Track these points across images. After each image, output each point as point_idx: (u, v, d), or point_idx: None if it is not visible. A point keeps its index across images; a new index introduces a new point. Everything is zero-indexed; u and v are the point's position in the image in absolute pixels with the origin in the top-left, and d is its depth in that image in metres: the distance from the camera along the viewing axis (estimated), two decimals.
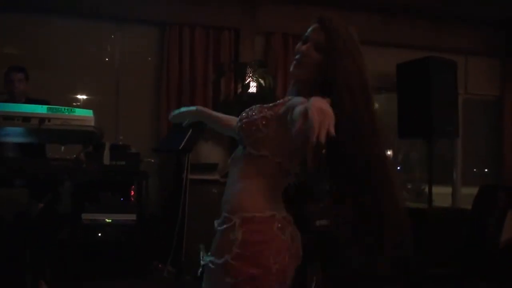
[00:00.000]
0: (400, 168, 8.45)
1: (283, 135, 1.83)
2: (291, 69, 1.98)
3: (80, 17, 5.89)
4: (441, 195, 7.11)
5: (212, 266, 1.91)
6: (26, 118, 3.78)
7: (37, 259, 4.27)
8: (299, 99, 1.73)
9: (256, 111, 1.98)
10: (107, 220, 4.93)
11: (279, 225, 1.95)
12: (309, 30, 2.01)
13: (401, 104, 6.16)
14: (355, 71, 1.87)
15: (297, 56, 1.95)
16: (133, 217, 4.96)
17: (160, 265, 5.11)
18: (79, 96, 6.15)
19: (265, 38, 6.34)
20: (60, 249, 4.69)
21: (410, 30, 6.77)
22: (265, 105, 1.98)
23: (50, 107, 3.86)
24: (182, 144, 4.94)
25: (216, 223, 2.06)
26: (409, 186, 8.86)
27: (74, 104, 5.99)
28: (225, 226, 1.94)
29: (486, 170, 7.97)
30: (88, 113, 3.63)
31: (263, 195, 1.96)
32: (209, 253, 2.02)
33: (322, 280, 4.82)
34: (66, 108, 3.89)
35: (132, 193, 5.28)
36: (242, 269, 1.80)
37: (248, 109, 2.02)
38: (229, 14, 6.16)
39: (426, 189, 6.09)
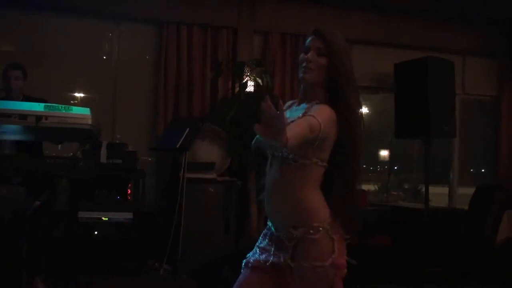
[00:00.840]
0: (397, 168, 8.47)
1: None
2: (302, 75, 2.25)
3: (78, 15, 5.88)
4: (438, 195, 7.12)
5: (314, 268, 2.13)
6: (22, 116, 3.77)
7: (33, 257, 4.27)
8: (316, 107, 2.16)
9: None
10: (103, 218, 4.92)
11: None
12: (307, 41, 2.28)
13: (399, 104, 6.15)
14: (352, 70, 2.26)
15: (304, 64, 2.23)
16: (129, 215, 4.96)
17: (156, 264, 5.11)
18: (76, 94, 6.15)
19: (263, 37, 6.34)
20: (56, 246, 4.69)
21: (408, 30, 6.77)
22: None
23: (47, 105, 3.85)
24: (179, 143, 4.95)
25: (288, 233, 2.21)
26: (406, 186, 8.89)
27: (72, 102, 5.99)
28: (318, 235, 2.13)
29: (482, 170, 7.98)
30: (85, 111, 3.62)
31: (323, 199, 2.20)
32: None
33: None
34: (63, 106, 3.89)
35: (129, 191, 5.28)
36: (340, 262, 2.15)
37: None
38: (227, 13, 6.15)
39: (423, 189, 6.09)
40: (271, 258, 2.22)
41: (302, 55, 2.25)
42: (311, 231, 2.13)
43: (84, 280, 4.58)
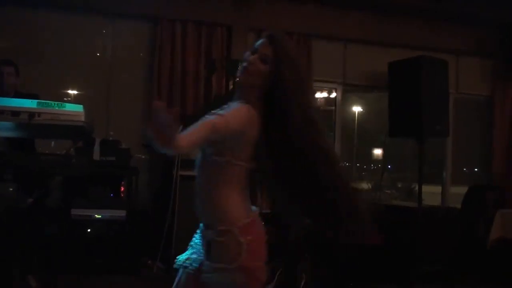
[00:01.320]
0: (391, 167, 8.48)
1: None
2: (237, 74, 2.19)
3: (72, 11, 5.86)
4: (431, 194, 7.13)
5: (219, 271, 2.09)
6: (15, 113, 3.75)
7: (26, 254, 4.25)
8: (233, 105, 2.12)
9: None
10: (96, 215, 4.91)
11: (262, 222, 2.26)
12: (257, 43, 2.21)
13: (392, 103, 6.16)
14: (299, 80, 2.15)
15: (244, 64, 2.16)
16: (122, 213, 4.95)
17: (149, 261, 5.11)
18: (69, 91, 6.13)
19: (257, 35, 6.30)
20: (49, 244, 4.67)
21: (402, 29, 6.78)
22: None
23: (40, 102, 3.83)
24: None
25: (204, 233, 2.18)
26: (399, 185, 8.91)
27: (65, 99, 5.97)
28: (224, 238, 2.09)
29: (476, 169, 8.01)
30: (78, 108, 3.61)
31: (242, 199, 2.15)
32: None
33: (311, 279, 4.83)
34: (56, 103, 3.87)
35: (122, 188, 5.27)
36: (251, 266, 2.08)
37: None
38: (222, 10, 6.14)
39: (416, 188, 6.10)
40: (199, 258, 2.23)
41: (247, 53, 2.19)
42: (217, 234, 2.09)
43: (77, 277, 4.57)
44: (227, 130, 1.98)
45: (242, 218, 2.10)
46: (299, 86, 2.15)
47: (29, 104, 3.82)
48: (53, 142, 5.09)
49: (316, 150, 2.12)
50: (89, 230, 4.89)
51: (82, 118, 3.88)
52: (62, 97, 5.95)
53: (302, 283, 4.76)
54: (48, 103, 3.83)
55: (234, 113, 2.04)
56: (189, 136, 1.83)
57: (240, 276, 2.07)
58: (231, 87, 5.87)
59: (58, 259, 4.66)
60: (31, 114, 3.74)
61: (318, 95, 7.12)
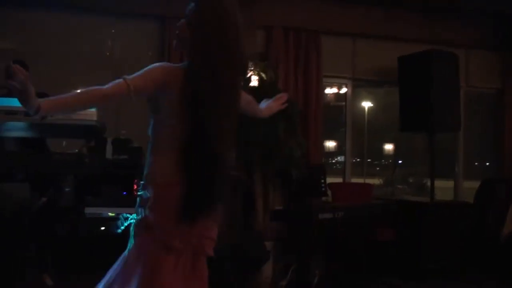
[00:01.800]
0: (402, 162, 8.46)
1: None
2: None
3: (80, 11, 5.87)
4: (443, 189, 7.12)
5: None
6: (28, 113, 3.79)
7: (41, 253, 4.28)
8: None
9: None
10: (110, 214, 4.93)
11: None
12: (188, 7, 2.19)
13: (403, 98, 6.15)
14: (217, 44, 2.07)
15: (176, 31, 2.20)
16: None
17: None
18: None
19: (265, 31, 6.33)
20: (62, 243, 4.70)
21: (411, 23, 6.75)
22: None
23: None
24: None
25: None
26: (410, 180, 8.89)
27: None
28: (142, 192, 2.19)
29: (487, 163, 7.97)
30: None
31: (169, 160, 2.11)
32: None
33: (325, 275, 4.84)
34: None
35: (135, 187, 5.28)
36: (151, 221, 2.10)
37: None
38: None
39: (428, 183, 6.09)
40: None
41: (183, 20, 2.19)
42: (140, 188, 2.18)
43: (90, 275, 4.59)
44: (129, 89, 2.01)
45: (160, 177, 2.12)
46: (218, 53, 2.07)
47: None
48: (64, 142, 5.11)
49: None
50: (102, 228, 4.91)
51: (94, 117, 3.92)
52: None
53: (316, 279, 4.77)
54: None
55: (141, 73, 2.07)
56: (60, 98, 1.96)
57: (139, 229, 2.12)
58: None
59: (72, 258, 4.68)
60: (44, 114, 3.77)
61: (328, 90, 7.11)
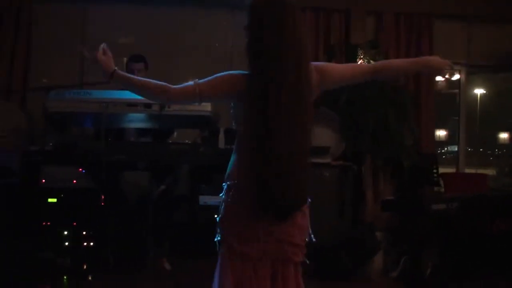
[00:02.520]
0: None
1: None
2: None
3: (195, 5, 6.04)
4: None
5: None
6: (147, 105, 3.98)
7: (159, 239, 4.48)
8: None
9: None
10: None
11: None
12: None
13: None
14: (269, 43, 2.05)
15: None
16: None
17: None
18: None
19: (375, 18, 6.21)
20: (179, 229, 4.87)
21: None
22: None
23: None
24: None
25: None
26: None
27: None
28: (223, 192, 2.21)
29: None
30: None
31: (242, 162, 2.13)
32: None
33: (438, 265, 4.70)
34: None
35: None
36: (224, 225, 2.14)
37: None
38: None
39: None
40: None
41: None
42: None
43: (204, 260, 4.74)
44: (196, 92, 2.09)
45: (231, 178, 2.11)
46: (271, 53, 2.04)
47: None
48: (175, 133, 5.29)
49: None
50: (215, 216, 5.04)
51: (208, 108, 4.03)
52: None
53: (428, 271, 4.65)
54: None
55: (208, 78, 2.13)
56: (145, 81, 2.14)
57: (219, 229, 2.13)
58: None
59: (188, 244, 4.85)
60: (162, 105, 3.93)
61: (440, 77, 6.88)
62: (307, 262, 2.19)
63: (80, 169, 4.39)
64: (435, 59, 2.38)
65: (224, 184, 2.15)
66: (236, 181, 2.09)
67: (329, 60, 5.90)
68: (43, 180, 4.36)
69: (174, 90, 2.11)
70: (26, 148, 4.45)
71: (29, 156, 4.33)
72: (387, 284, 4.75)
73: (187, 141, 4.93)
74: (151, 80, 2.14)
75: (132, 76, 2.20)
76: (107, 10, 6.00)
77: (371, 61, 5.61)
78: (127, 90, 2.23)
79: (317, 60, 5.94)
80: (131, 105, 3.98)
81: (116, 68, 2.09)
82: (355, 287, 4.54)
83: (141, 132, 4.78)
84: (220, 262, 2.12)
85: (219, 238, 2.14)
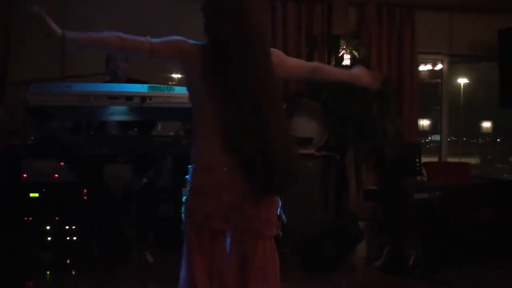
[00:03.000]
0: (501, 140, 8.12)
1: None
2: None
3: None
4: None
5: None
6: (129, 97, 3.95)
7: (142, 232, 4.47)
8: None
9: None
10: None
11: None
12: None
13: (503, 73, 5.88)
14: (230, 27, 2.07)
15: None
16: None
17: None
18: (173, 75, 6.29)
19: (357, 9, 6.21)
20: (162, 222, 4.86)
21: None
22: None
23: (151, 86, 4.00)
24: None
25: None
26: (510, 159, 8.51)
27: (170, 83, 6.13)
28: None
29: None
30: (186, 91, 3.72)
31: (207, 143, 2.13)
32: None
33: (421, 254, 4.74)
34: (166, 86, 4.03)
35: None
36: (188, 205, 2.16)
37: None
38: None
39: None
40: None
41: None
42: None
43: None
44: (149, 47, 2.10)
45: (202, 160, 2.11)
46: (231, 35, 2.06)
47: (141, 88, 4.00)
48: (159, 125, 5.26)
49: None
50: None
51: None
52: (167, 81, 6.12)
53: (411, 260, 4.69)
54: (159, 86, 3.99)
55: (164, 39, 2.15)
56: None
57: (185, 209, 2.14)
58: (333, 63, 5.82)
59: (171, 237, 4.84)
60: (143, 97, 3.92)
61: (422, 67, 6.92)
62: (280, 234, 2.21)
63: (62, 163, 4.35)
64: (364, 76, 2.58)
65: (189, 166, 2.15)
66: (201, 163, 2.10)
67: (312, 52, 5.91)
68: (25, 175, 4.32)
69: (128, 41, 2.11)
70: (6, 143, 4.41)
71: (10, 151, 4.30)
72: (371, 274, 4.78)
73: (171, 133, 4.91)
74: (105, 33, 2.15)
75: (86, 33, 2.16)
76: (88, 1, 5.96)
77: (354, 51, 5.63)
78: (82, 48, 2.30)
79: (299, 51, 5.98)
80: (113, 98, 3.95)
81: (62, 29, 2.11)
82: (338, 277, 4.57)
83: (123, 125, 4.76)
84: (187, 242, 2.12)
85: (184, 219, 2.15)
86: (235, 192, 2.06)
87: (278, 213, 2.23)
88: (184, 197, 2.15)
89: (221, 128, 2.03)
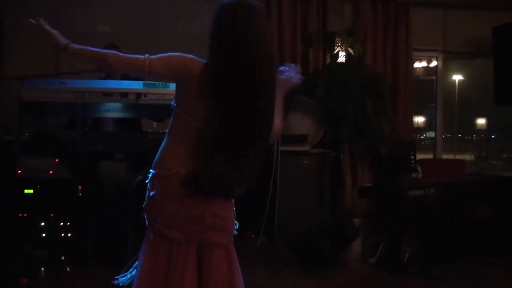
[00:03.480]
0: (496, 137, 8.14)
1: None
2: None
3: None
4: None
5: None
6: (123, 94, 3.95)
7: (138, 229, 4.45)
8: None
9: None
10: None
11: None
12: None
13: (498, 70, 5.89)
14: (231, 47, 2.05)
15: None
16: None
17: (253, 235, 5.20)
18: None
19: (353, 5, 6.20)
20: None
21: None
22: None
23: (146, 83, 3.99)
24: None
25: None
26: (505, 156, 8.53)
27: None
28: (149, 181, 2.20)
29: None
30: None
31: (178, 153, 2.09)
32: None
33: (416, 252, 4.76)
34: (161, 83, 4.01)
35: None
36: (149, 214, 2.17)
37: None
38: None
39: None
40: None
41: None
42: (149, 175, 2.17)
43: None
44: (145, 66, 2.04)
45: (164, 168, 2.08)
46: (233, 56, 2.05)
47: (136, 85, 3.99)
48: (155, 122, 5.25)
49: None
50: None
51: None
52: None
53: (406, 256, 4.71)
54: (153, 83, 3.99)
55: (163, 56, 2.11)
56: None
57: (145, 218, 2.16)
58: (328, 60, 5.82)
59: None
60: (138, 94, 3.91)
61: (417, 64, 6.93)
62: (233, 243, 2.20)
63: (57, 160, 4.34)
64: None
65: (151, 170, 2.14)
66: (166, 171, 2.07)
67: (307, 49, 5.90)
68: (19, 171, 4.30)
69: (126, 60, 2.08)
70: (1, 138, 4.40)
71: (4, 147, 4.28)
72: (366, 271, 4.79)
73: (166, 130, 4.90)
74: (104, 51, 2.15)
75: (87, 48, 2.11)
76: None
77: (349, 48, 5.62)
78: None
79: (294, 48, 5.97)
80: (107, 95, 3.95)
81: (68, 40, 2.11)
82: (333, 274, 4.58)
83: (118, 121, 4.75)
84: (145, 246, 2.14)
85: (147, 222, 2.16)
86: (187, 201, 2.06)
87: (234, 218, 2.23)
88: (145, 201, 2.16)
89: (194, 144, 2.04)
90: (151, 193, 2.11)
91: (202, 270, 2.09)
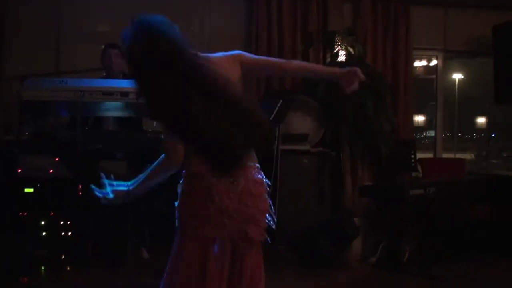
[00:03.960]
0: (496, 136, 8.14)
1: None
2: None
3: None
4: None
5: None
6: (124, 93, 3.95)
7: (138, 228, 4.46)
8: None
9: None
10: None
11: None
12: None
13: (498, 69, 5.89)
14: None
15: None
16: None
17: None
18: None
19: (353, 5, 6.20)
20: (157, 218, 4.85)
21: None
22: None
23: None
24: (273, 115, 4.96)
25: None
26: (505, 155, 8.54)
27: None
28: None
29: None
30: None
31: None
32: None
33: (416, 251, 4.76)
34: None
35: None
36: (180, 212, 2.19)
37: None
38: None
39: None
40: None
41: None
42: None
43: None
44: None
45: (188, 167, 2.15)
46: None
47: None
48: (155, 121, 5.24)
49: None
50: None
51: None
52: None
53: (406, 256, 4.71)
54: None
55: None
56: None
57: (177, 214, 2.17)
58: (328, 60, 5.82)
59: (167, 233, 4.84)
60: (139, 94, 3.90)
61: (417, 63, 6.92)
62: (269, 241, 2.20)
63: (57, 159, 4.34)
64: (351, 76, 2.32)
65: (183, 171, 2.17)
66: (189, 171, 2.13)
67: (307, 48, 5.90)
68: (19, 170, 4.30)
69: (175, 161, 2.14)
70: (1, 138, 4.40)
71: (5, 146, 4.28)
72: (366, 270, 4.79)
73: None
74: (154, 169, 2.25)
75: (141, 179, 2.28)
76: None
77: (349, 48, 5.62)
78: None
79: (295, 48, 5.97)
80: (108, 94, 3.95)
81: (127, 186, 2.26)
82: (334, 273, 4.58)
83: (119, 120, 4.75)
84: (177, 246, 2.13)
85: (177, 223, 2.15)
86: (225, 196, 2.07)
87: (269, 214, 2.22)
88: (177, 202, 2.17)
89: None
90: (183, 190, 2.15)
91: (233, 272, 2.10)
